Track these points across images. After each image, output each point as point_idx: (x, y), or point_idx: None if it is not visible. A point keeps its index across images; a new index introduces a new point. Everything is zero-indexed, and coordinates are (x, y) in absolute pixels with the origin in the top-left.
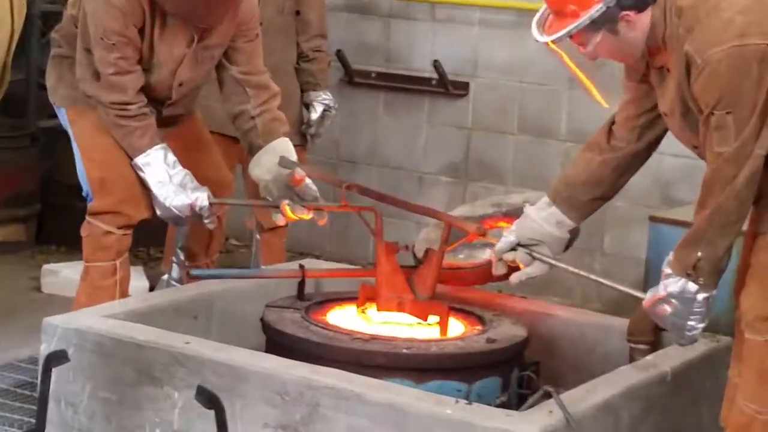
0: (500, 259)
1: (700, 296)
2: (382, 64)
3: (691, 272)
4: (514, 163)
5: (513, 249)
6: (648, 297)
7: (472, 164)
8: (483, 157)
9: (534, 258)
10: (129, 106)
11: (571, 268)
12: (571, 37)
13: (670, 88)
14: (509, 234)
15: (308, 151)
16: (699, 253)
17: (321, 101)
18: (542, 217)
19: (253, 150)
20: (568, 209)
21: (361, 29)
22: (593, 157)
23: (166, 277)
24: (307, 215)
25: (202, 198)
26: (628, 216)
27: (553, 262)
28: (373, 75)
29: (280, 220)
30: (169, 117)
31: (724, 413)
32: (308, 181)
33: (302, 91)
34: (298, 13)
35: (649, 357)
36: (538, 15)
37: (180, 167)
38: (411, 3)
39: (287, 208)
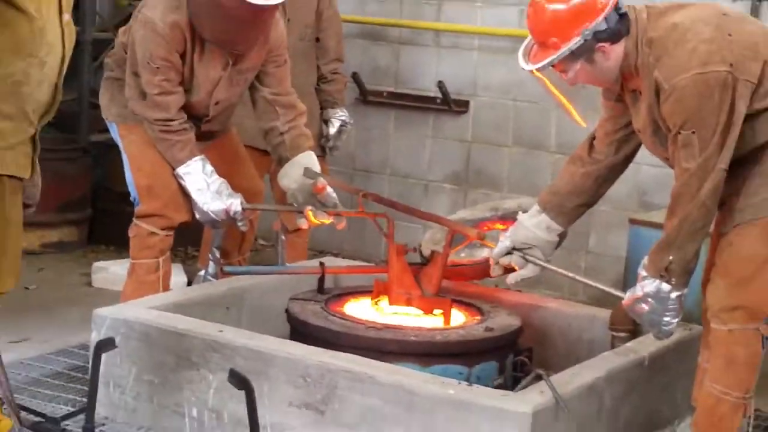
0: (497, 263)
1: (674, 295)
2: (393, 84)
3: (664, 274)
4: (509, 173)
5: (509, 253)
6: (627, 297)
7: (471, 173)
8: (481, 167)
9: (527, 261)
10: (171, 123)
11: (560, 270)
12: (553, 65)
13: (642, 109)
14: (505, 239)
15: (327, 162)
16: (670, 257)
17: (338, 117)
18: (534, 223)
19: (281, 162)
20: (556, 216)
21: (374, 54)
22: (577, 169)
23: (202, 272)
24: (328, 220)
25: (236, 204)
26: (610, 219)
27: (544, 264)
28: (385, 94)
29: (304, 224)
30: (207, 132)
31: (694, 394)
32: (329, 189)
33: (321, 109)
34: (318, 39)
35: (628, 344)
36: (524, 45)
37: (216, 176)
38: (418, 31)
39: (310, 213)
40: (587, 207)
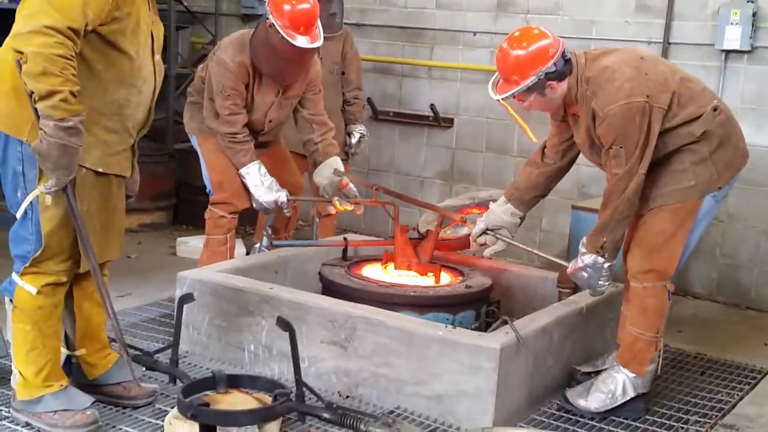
0: (475, 241)
1: (606, 265)
2: (397, 106)
3: (599, 251)
4: (483, 171)
5: (484, 233)
6: (570, 266)
7: (455, 171)
8: (463, 167)
9: (498, 239)
10: (237, 135)
11: (521, 245)
12: (513, 96)
13: (582, 129)
14: (480, 223)
15: (350, 164)
16: (604, 239)
17: (358, 131)
18: (502, 210)
19: (316, 164)
20: (518, 205)
21: (383, 84)
22: (533, 170)
23: (258, 245)
24: (350, 207)
25: (282, 196)
26: (558, 205)
27: (510, 241)
28: (392, 114)
29: (332, 210)
30: (263, 142)
31: (618, 334)
32: (351, 185)
33: (345, 125)
34: (343, 73)
35: (571, 297)
36: (492, 79)
37: (269, 176)
38: (415, 66)
39: (337, 202)
40: (541, 198)
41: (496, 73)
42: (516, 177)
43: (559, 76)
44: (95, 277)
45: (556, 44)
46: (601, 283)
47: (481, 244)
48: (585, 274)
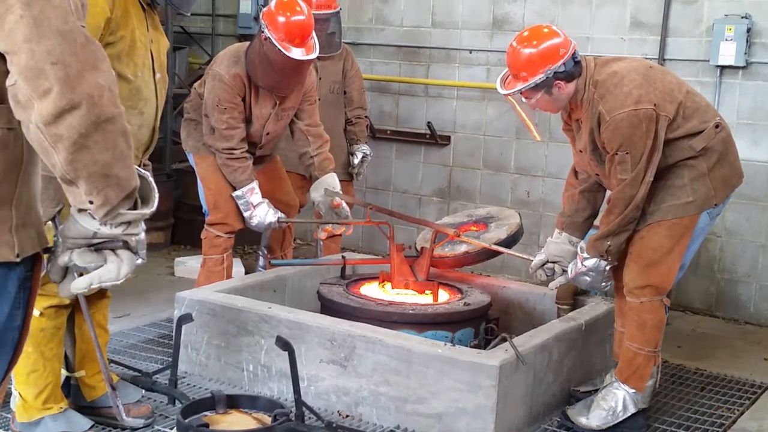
0: (536, 272)
1: (608, 267)
2: (394, 124)
3: (604, 254)
4: (480, 188)
5: (545, 265)
6: (571, 271)
7: (453, 189)
8: (460, 184)
9: (563, 270)
10: (234, 151)
11: (563, 275)
12: (520, 92)
13: (584, 134)
14: (540, 254)
15: (353, 185)
16: (609, 243)
17: (361, 151)
18: (560, 240)
19: (312, 178)
20: (573, 231)
21: (380, 102)
22: (573, 193)
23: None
24: (341, 231)
25: (273, 218)
26: (554, 221)
27: (568, 270)
28: (389, 132)
29: (323, 236)
30: (259, 157)
31: (615, 350)
32: (344, 204)
33: (348, 144)
34: (345, 92)
35: (570, 314)
36: (502, 74)
37: (261, 197)
38: (412, 85)
39: (329, 228)
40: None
41: (506, 70)
42: (562, 208)
43: (567, 76)
44: (82, 305)
45: (567, 44)
46: (603, 284)
47: (549, 275)
48: (587, 278)
